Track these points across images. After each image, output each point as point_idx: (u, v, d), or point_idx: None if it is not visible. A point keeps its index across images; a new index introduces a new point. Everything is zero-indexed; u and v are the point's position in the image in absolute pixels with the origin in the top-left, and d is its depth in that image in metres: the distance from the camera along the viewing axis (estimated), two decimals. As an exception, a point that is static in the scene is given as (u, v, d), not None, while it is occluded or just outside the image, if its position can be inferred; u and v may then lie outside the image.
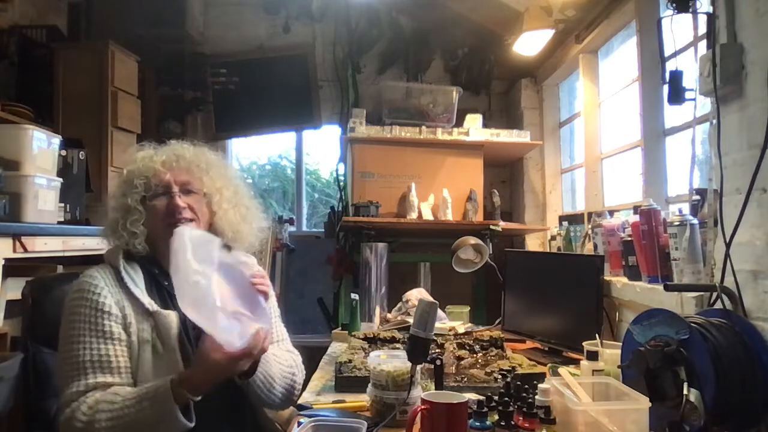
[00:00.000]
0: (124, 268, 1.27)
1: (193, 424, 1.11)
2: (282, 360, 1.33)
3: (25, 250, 2.04)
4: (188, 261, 1.11)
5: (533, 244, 3.55)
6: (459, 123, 3.36)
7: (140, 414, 1.08)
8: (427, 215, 3.10)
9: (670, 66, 1.48)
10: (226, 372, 1.15)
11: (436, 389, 1.20)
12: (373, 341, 1.75)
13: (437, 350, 1.62)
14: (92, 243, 2.48)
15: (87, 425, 1.08)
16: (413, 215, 3.06)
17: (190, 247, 1.13)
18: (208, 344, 1.12)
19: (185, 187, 1.32)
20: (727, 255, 1.23)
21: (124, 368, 1.17)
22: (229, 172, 1.44)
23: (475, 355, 1.61)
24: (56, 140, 2.45)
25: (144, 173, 1.30)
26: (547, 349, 1.89)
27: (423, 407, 1.02)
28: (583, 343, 1.44)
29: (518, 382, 1.19)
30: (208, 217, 1.36)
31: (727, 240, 1.22)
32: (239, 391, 1.26)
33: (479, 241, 2.28)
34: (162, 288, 1.28)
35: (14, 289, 1.95)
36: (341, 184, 3.86)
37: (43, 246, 2.14)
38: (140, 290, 1.24)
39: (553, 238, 2.96)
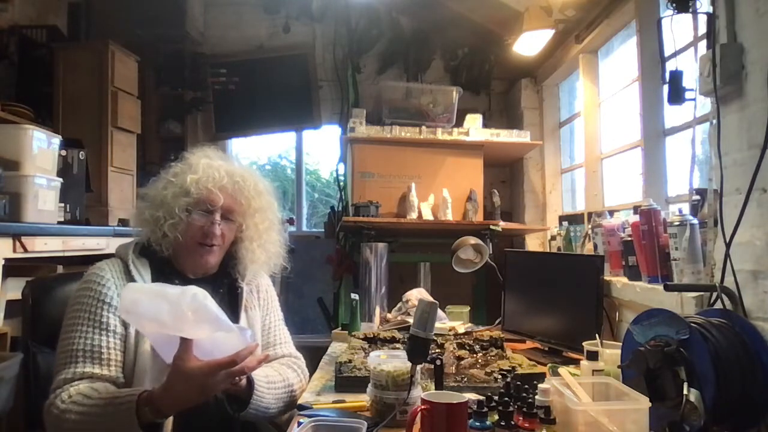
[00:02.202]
0: (133, 262, 1.30)
1: None
2: (276, 382, 1.32)
3: (25, 250, 2.04)
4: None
5: (533, 244, 3.55)
6: (459, 123, 3.36)
7: (104, 418, 1.08)
8: (427, 215, 3.10)
9: (670, 66, 1.48)
10: (198, 389, 1.07)
11: (436, 389, 1.20)
12: (373, 341, 1.75)
13: (437, 350, 1.61)
14: (92, 243, 2.48)
15: (60, 414, 1.10)
16: (413, 215, 3.06)
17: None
18: (183, 354, 1.06)
19: (227, 214, 1.36)
20: (727, 255, 1.23)
21: (115, 361, 1.19)
22: (271, 206, 1.46)
23: (475, 355, 1.61)
24: (56, 140, 2.45)
25: (201, 188, 1.31)
26: (547, 349, 1.89)
27: (423, 407, 1.02)
28: (583, 343, 1.44)
29: (518, 382, 1.19)
30: (233, 243, 1.41)
31: (727, 240, 1.22)
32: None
33: (479, 241, 2.28)
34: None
35: (14, 289, 1.95)
36: (341, 184, 3.86)
37: (43, 246, 2.14)
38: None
39: (553, 238, 2.96)
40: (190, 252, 1.33)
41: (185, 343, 1.07)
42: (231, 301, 1.41)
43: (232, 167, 1.38)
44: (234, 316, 1.38)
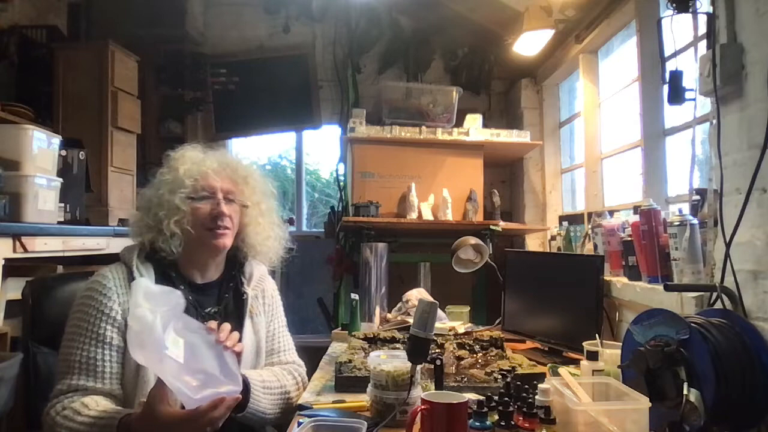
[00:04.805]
0: (137, 268, 1.28)
1: None
2: (272, 386, 1.32)
3: (25, 250, 2.04)
4: (138, 301, 1.03)
5: (533, 244, 3.55)
6: (459, 123, 3.36)
7: None
8: (427, 215, 3.10)
9: (670, 66, 1.48)
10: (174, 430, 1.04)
11: (436, 389, 1.20)
12: (373, 341, 1.75)
13: (437, 350, 1.62)
14: (92, 243, 2.48)
15: (52, 425, 1.13)
16: (413, 215, 3.06)
17: (143, 292, 1.05)
18: (158, 392, 1.04)
19: (228, 195, 1.35)
20: (727, 255, 1.23)
21: (109, 374, 1.19)
22: (267, 188, 1.46)
23: (475, 355, 1.61)
24: (56, 140, 2.45)
25: (194, 175, 1.32)
26: (547, 349, 1.89)
27: (423, 407, 1.02)
28: (583, 343, 1.44)
29: (518, 382, 1.19)
30: (239, 229, 1.39)
31: (727, 240, 1.22)
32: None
33: (479, 241, 2.28)
34: None
35: (14, 289, 1.95)
36: (341, 184, 3.86)
37: (43, 246, 2.14)
38: None
39: (553, 238, 2.96)
40: (203, 241, 1.32)
41: (160, 383, 1.04)
42: (236, 307, 1.40)
43: (217, 153, 1.41)
44: (239, 323, 1.37)
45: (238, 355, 1.15)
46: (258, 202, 1.41)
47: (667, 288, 1.38)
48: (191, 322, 1.11)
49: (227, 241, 1.34)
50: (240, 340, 1.22)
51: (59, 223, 2.44)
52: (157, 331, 1.00)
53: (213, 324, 1.14)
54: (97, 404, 1.14)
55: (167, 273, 1.32)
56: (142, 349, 1.01)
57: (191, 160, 1.35)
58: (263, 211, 1.42)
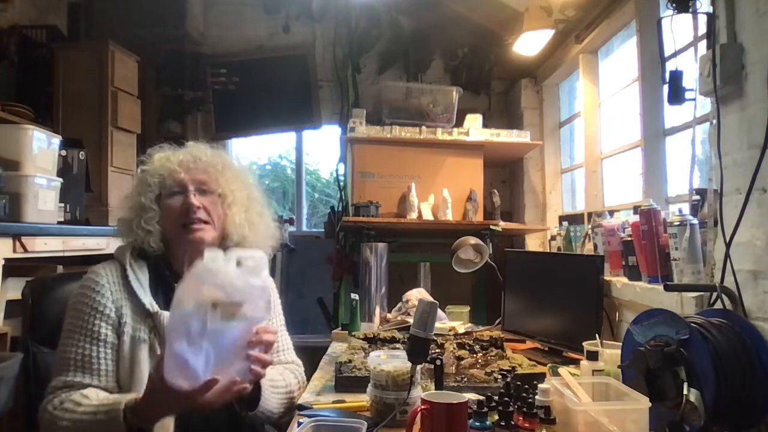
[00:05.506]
0: (130, 265, 1.28)
1: None
2: (279, 385, 1.33)
3: (25, 250, 2.04)
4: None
5: (533, 244, 3.55)
6: (459, 123, 3.36)
7: (94, 425, 1.09)
8: (427, 215, 3.10)
9: (670, 66, 1.48)
10: (173, 404, 1.03)
11: (436, 389, 1.20)
12: (373, 341, 1.75)
13: (437, 350, 1.62)
14: (92, 243, 2.48)
15: (52, 419, 1.12)
16: (413, 215, 3.06)
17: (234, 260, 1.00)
18: (158, 366, 1.02)
19: (201, 187, 1.32)
20: (727, 255, 1.23)
21: (105, 371, 1.19)
22: (245, 177, 1.42)
23: (475, 355, 1.61)
24: (56, 140, 2.45)
25: (159, 172, 1.31)
26: (547, 349, 1.89)
27: (423, 407, 1.02)
28: (583, 343, 1.44)
29: (518, 382, 1.19)
30: (223, 220, 1.34)
31: (727, 240, 1.22)
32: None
33: (479, 241, 2.28)
34: (169, 289, 1.25)
35: (14, 289, 1.95)
36: (341, 184, 3.86)
37: (43, 246, 2.14)
38: (143, 290, 1.25)
39: (553, 238, 2.96)
40: (180, 237, 1.29)
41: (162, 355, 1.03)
42: None
43: (188, 148, 1.37)
44: None
45: (255, 378, 1.12)
46: (234, 190, 1.36)
47: (667, 288, 1.38)
48: (258, 320, 1.06)
49: (205, 234, 1.29)
50: None
51: (59, 223, 2.44)
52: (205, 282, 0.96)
53: (262, 328, 1.09)
54: (98, 395, 1.14)
55: (160, 271, 1.31)
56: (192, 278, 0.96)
57: (158, 159, 1.34)
58: (239, 199, 1.36)
